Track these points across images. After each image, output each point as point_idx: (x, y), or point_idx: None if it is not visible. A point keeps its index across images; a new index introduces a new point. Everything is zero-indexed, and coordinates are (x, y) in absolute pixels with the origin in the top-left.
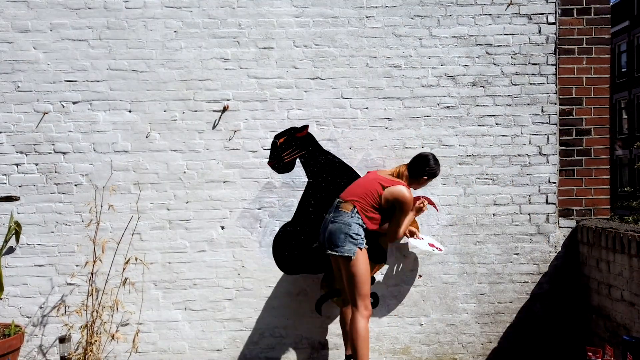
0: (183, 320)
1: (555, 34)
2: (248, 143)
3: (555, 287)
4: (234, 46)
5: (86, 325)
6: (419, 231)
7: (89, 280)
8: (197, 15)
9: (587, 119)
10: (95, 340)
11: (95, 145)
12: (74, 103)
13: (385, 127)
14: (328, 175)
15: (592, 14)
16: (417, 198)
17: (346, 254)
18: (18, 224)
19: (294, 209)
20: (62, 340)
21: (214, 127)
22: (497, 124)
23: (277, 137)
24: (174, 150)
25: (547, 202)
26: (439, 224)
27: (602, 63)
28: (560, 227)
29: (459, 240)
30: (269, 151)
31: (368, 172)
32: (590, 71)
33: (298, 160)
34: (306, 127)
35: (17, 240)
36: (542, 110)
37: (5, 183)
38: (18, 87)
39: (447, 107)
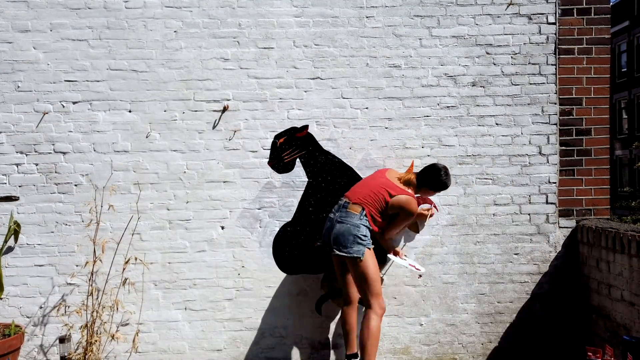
0: (183, 320)
1: (555, 34)
2: (248, 143)
3: (555, 287)
4: (234, 46)
5: (86, 325)
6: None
7: (89, 280)
8: (197, 15)
9: (587, 119)
10: (95, 340)
11: (95, 145)
12: (74, 103)
13: (385, 127)
14: (328, 175)
15: (592, 14)
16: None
17: (355, 255)
18: (17, 224)
19: (294, 209)
20: (62, 340)
21: (214, 127)
22: (497, 124)
23: (277, 137)
24: (174, 150)
25: (547, 202)
26: (439, 224)
27: (602, 63)
28: (560, 227)
29: (459, 240)
30: (269, 151)
31: (377, 171)
32: (590, 71)
33: (298, 160)
34: (306, 127)
35: (16, 239)
36: (542, 110)
37: (5, 183)
38: (18, 87)
39: (447, 107)
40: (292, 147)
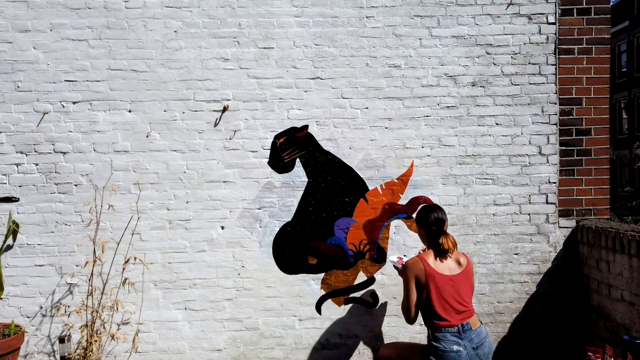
0: (183, 320)
1: (555, 34)
2: (248, 143)
3: (555, 287)
4: (234, 46)
5: (86, 325)
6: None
7: (89, 280)
8: (197, 15)
9: (587, 119)
10: (95, 340)
11: (95, 145)
12: (74, 103)
13: (385, 127)
14: (328, 175)
15: (592, 14)
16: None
17: None
18: (16, 223)
19: (294, 209)
20: (62, 340)
21: (214, 127)
22: (497, 124)
23: (277, 137)
24: (174, 150)
25: (547, 202)
26: None
27: (602, 63)
28: (560, 227)
29: (459, 240)
30: (269, 151)
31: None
32: (590, 71)
33: (298, 160)
34: (306, 127)
35: (14, 239)
36: (542, 110)
37: (5, 183)
38: (18, 87)
39: (447, 107)
40: (292, 147)
